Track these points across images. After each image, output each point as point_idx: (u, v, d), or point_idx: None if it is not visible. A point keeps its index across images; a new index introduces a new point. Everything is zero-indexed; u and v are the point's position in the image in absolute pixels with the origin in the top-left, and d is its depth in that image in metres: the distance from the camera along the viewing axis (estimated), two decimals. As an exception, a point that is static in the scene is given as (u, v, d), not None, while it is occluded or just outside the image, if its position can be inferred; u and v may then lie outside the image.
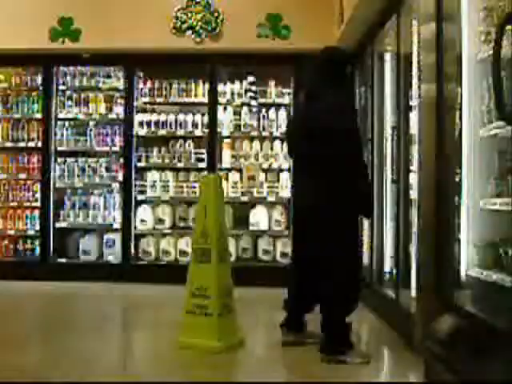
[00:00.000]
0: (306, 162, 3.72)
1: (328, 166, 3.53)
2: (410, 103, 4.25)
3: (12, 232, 6.71)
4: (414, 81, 3.92)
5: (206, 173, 6.29)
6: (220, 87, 6.64)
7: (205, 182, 4.07)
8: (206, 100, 6.62)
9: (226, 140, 6.70)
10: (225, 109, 6.69)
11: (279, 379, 3.45)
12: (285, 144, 6.53)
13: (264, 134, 6.64)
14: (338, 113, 3.56)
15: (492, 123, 2.91)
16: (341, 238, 3.57)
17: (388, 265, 4.91)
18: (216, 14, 6.36)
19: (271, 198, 6.58)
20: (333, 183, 3.54)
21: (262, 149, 6.67)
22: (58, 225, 6.67)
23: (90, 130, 6.77)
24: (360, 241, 4.46)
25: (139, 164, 6.67)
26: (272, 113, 6.65)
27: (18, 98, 6.81)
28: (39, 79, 6.79)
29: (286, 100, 6.62)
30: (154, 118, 6.72)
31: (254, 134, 6.66)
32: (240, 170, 6.63)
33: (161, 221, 6.66)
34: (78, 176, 6.71)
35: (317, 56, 3.88)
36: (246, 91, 6.69)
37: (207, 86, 6.63)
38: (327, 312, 3.61)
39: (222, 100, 6.65)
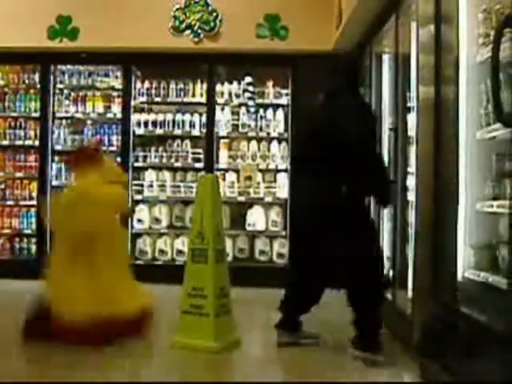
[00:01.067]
0: (319, 162, 3.62)
1: (342, 166, 3.48)
2: (408, 105, 4.26)
3: (8, 230, 6.70)
4: (412, 82, 3.93)
5: (203, 173, 6.27)
6: (218, 87, 6.62)
7: (202, 181, 4.06)
8: (203, 100, 6.61)
9: (223, 140, 6.69)
10: (222, 109, 6.68)
11: (275, 379, 3.45)
12: (282, 144, 6.55)
13: (261, 134, 6.63)
14: (357, 114, 3.55)
15: (490, 126, 2.92)
16: (359, 237, 3.53)
17: (385, 266, 4.90)
18: (214, 14, 6.36)
19: (268, 199, 6.58)
20: (348, 183, 3.53)
21: (259, 149, 6.66)
22: (54, 224, 6.64)
23: (88, 129, 6.76)
24: (379, 238, 4.40)
25: (136, 163, 6.65)
26: (270, 113, 6.64)
27: (16, 96, 6.77)
28: (37, 77, 6.76)
29: (284, 101, 6.61)
30: (151, 117, 6.70)
31: (252, 134, 6.65)
32: (237, 171, 6.62)
33: (157, 220, 6.65)
34: (75, 175, 6.70)
35: (336, 59, 3.91)
36: (244, 91, 6.68)
37: (205, 85, 6.62)
38: (360, 311, 3.57)
39: (219, 100, 6.64)
